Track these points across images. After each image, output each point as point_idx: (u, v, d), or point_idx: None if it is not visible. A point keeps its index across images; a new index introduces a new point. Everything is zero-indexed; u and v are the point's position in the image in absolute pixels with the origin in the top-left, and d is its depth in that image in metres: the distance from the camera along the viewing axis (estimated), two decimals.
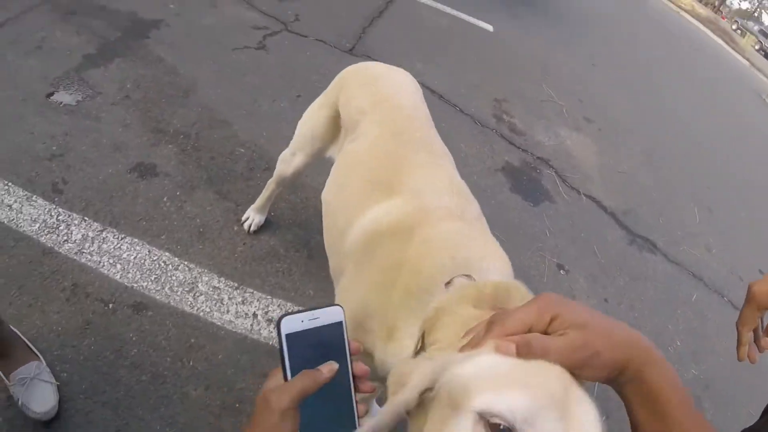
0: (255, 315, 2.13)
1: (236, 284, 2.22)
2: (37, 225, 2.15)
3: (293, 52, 3.96)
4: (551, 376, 0.69)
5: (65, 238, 2.14)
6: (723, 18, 42.80)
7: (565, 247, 3.48)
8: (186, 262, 2.21)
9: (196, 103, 3.04)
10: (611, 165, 4.87)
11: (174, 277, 2.14)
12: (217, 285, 2.18)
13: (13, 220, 2.13)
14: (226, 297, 2.15)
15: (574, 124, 5.21)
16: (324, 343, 0.85)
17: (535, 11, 8.10)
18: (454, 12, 6.30)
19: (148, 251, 2.19)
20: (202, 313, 2.06)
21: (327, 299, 2.29)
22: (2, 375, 1.69)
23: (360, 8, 5.32)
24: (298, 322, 0.82)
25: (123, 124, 2.72)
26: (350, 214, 1.37)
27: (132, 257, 2.15)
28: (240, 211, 2.50)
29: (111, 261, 2.11)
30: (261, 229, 2.47)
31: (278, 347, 0.81)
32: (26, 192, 2.25)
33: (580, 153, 4.74)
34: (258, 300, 2.19)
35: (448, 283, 1.03)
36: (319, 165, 2.51)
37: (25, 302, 1.91)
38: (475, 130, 4.19)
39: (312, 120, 1.95)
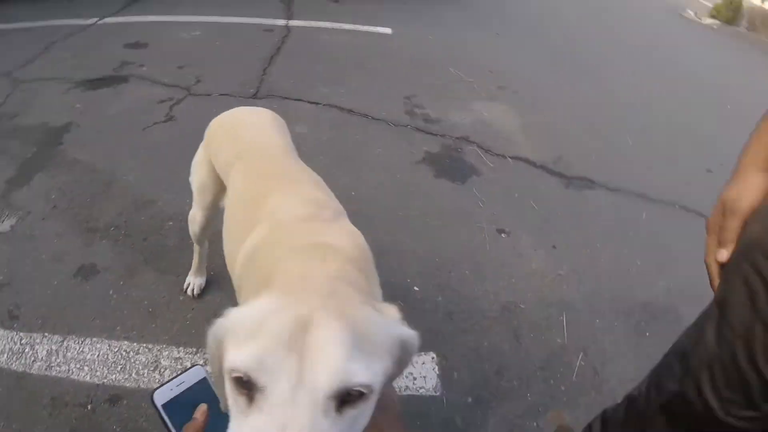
0: None
1: (195, 349, 2.42)
2: (5, 355, 2.34)
3: (200, 114, 3.99)
4: (285, 319, 0.76)
5: (32, 358, 2.33)
6: None
7: (501, 212, 3.66)
8: (144, 344, 2.41)
9: (118, 193, 3.24)
10: (534, 122, 4.97)
11: (137, 362, 2.34)
12: (177, 355, 2.38)
13: None
14: (188, 364, 2.35)
15: (487, 96, 5.34)
16: (197, 400, 0.93)
17: (428, 3, 8.11)
18: (351, 26, 6.45)
19: (108, 346, 2.40)
20: None
21: None
22: None
23: (257, 52, 5.47)
24: (167, 392, 0.92)
25: (57, 235, 2.91)
26: (234, 250, 1.47)
27: (95, 356, 2.35)
28: (181, 281, 2.70)
29: (78, 366, 2.31)
30: (204, 290, 2.67)
31: (160, 419, 0.89)
32: None
33: (499, 120, 4.89)
34: None
35: None
36: None
37: (15, 429, 2.09)
38: (390, 133, 4.35)
39: (196, 175, 2.09)
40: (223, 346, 0.80)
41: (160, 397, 0.90)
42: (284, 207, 1.41)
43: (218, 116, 2.03)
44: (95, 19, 5.91)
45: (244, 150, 1.75)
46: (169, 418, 0.90)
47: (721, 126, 5.61)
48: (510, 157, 4.29)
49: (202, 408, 0.90)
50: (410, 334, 0.88)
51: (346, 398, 0.73)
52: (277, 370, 0.71)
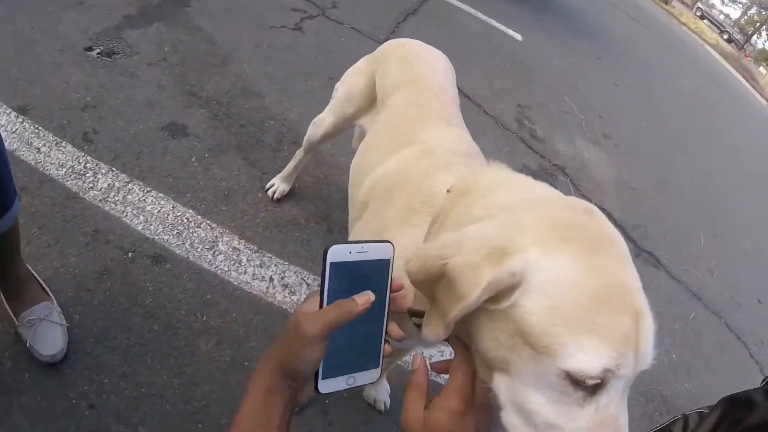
0: (271, 279, 2.11)
1: (256, 247, 2.20)
2: (64, 170, 2.14)
3: (328, 37, 3.96)
4: (625, 317, 0.69)
5: (91, 185, 2.13)
6: (746, 56, 42.84)
7: None
8: (208, 221, 2.20)
9: (231, 73, 3.04)
10: (624, 180, 4.85)
11: (195, 234, 2.13)
12: (237, 246, 2.16)
13: (41, 162, 2.13)
14: (244, 258, 2.13)
15: (592, 138, 5.20)
16: (367, 278, 0.83)
17: (563, 26, 8.16)
18: (486, 18, 6.30)
19: (172, 206, 2.18)
20: (219, 272, 2.04)
21: None
22: (12, 315, 1.66)
23: (395, 3, 5.34)
24: (345, 253, 0.80)
25: (158, 84, 2.72)
26: (368, 169, 1.44)
27: (156, 210, 2.14)
28: (265, 179, 2.49)
29: (134, 212, 2.10)
30: (284, 198, 2.45)
31: (321, 274, 0.79)
32: (56, 137, 2.25)
33: (596, 165, 4.73)
34: (275, 265, 2.17)
35: (449, 190, 1.04)
36: (344, 145, 2.52)
37: (44, 242, 1.90)
38: (497, 132, 4.19)
39: (349, 84, 1.96)
40: (517, 299, 0.71)
41: (334, 255, 0.79)
42: (440, 138, 1.38)
43: (397, 39, 1.94)
44: None
45: (417, 79, 1.68)
46: (330, 279, 0.79)
47: None
48: (596, 205, 4.04)
49: (366, 296, 0.81)
50: None
51: None
52: (623, 372, 0.68)
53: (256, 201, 2.39)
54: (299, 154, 2.36)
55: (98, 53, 2.74)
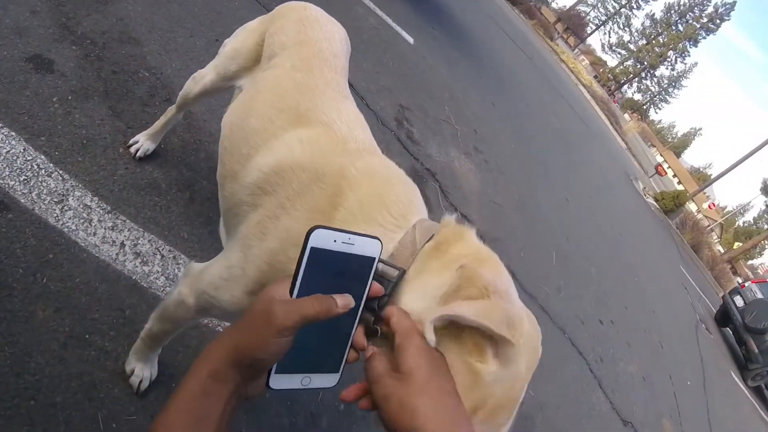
0: (123, 244, 2.03)
1: (109, 208, 2.10)
2: None
3: None
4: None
5: None
6: (614, 102, 46.95)
7: None
8: (61, 171, 2.06)
9: (112, 13, 2.84)
10: (489, 195, 5.15)
11: (45, 184, 1.99)
12: (88, 204, 2.05)
13: None
14: (95, 218, 2.03)
15: (464, 149, 5.46)
16: (347, 273, 0.79)
17: (453, 39, 8.51)
18: (384, 15, 6.38)
19: (23, 149, 2.03)
20: (66, 230, 1.93)
21: (200, 246, 2.23)
22: None
23: None
24: (329, 240, 0.76)
25: (32, 10, 2.48)
26: (257, 140, 1.37)
27: (4, 151, 1.98)
28: (130, 134, 2.38)
29: None
30: (147, 158, 2.36)
31: (298, 257, 0.74)
32: None
33: (464, 176, 4.99)
34: (129, 230, 2.09)
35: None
36: (219, 110, 2.45)
37: None
38: (375, 127, 4.25)
39: (239, 40, 1.91)
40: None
41: (318, 239, 0.74)
42: (341, 121, 1.37)
43: (298, 2, 1.89)
44: None
45: (309, 42, 1.66)
46: (307, 265, 0.75)
47: (628, 291, 6.22)
48: (461, 213, 4.33)
49: (347, 300, 0.78)
50: None
51: None
52: None
53: (116, 156, 2.28)
54: (171, 111, 2.28)
55: None
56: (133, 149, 2.32)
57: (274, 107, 1.43)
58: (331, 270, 0.77)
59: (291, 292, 0.75)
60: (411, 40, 6.60)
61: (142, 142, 2.33)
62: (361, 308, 0.82)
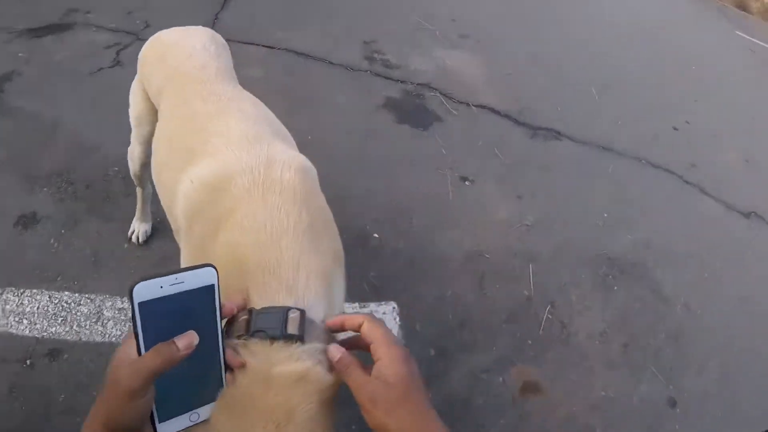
0: None
1: None
2: None
3: None
4: None
5: None
6: None
7: (464, 159, 3.59)
8: (87, 295, 2.32)
9: (62, 139, 3.04)
10: (496, 71, 4.85)
11: (79, 313, 2.26)
12: (121, 306, 2.30)
13: None
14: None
15: (449, 44, 5.16)
16: (189, 310, 0.76)
17: None
18: None
19: (49, 297, 2.30)
20: (113, 339, 2.18)
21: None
22: None
23: None
24: (156, 289, 0.72)
25: None
26: (169, 188, 1.36)
27: (35, 308, 2.25)
28: (127, 228, 2.58)
29: (17, 319, 2.22)
30: (150, 237, 2.57)
31: (132, 320, 0.72)
32: None
33: (462, 69, 4.75)
34: None
35: None
36: None
37: None
38: (348, 78, 4.19)
39: (133, 107, 1.96)
40: None
41: (142, 293, 0.70)
42: (225, 147, 1.27)
43: (150, 39, 1.86)
44: None
45: (174, 74, 1.62)
46: (143, 323, 0.72)
47: (686, 86, 5.61)
48: (474, 105, 4.19)
49: (188, 338, 0.75)
50: None
51: None
52: None
53: (124, 253, 2.51)
54: (138, 190, 2.42)
55: None
56: (134, 238, 2.54)
57: (170, 155, 1.45)
58: (171, 315, 0.74)
59: (139, 351, 0.73)
60: None
61: (137, 228, 2.54)
62: (220, 332, 0.81)
